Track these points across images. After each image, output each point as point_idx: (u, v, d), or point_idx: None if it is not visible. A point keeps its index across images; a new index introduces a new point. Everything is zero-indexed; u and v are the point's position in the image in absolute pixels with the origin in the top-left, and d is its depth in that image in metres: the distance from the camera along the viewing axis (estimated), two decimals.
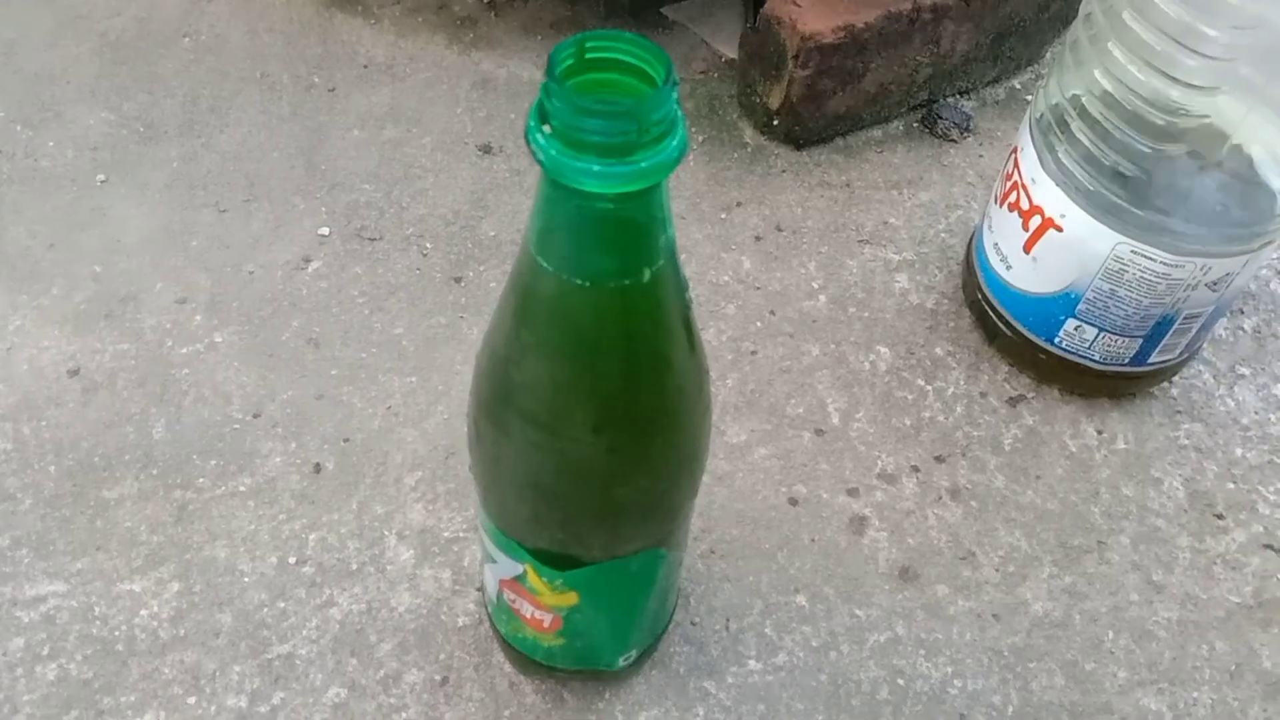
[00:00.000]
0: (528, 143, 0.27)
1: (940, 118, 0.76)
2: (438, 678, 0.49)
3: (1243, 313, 0.67)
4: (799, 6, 0.68)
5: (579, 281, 0.29)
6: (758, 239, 0.67)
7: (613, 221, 0.28)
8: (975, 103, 0.78)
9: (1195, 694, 0.51)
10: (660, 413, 0.34)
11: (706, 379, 0.36)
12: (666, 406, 0.34)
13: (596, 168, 0.26)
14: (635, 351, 0.27)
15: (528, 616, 0.43)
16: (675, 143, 0.27)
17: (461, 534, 0.53)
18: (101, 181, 0.68)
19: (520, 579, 0.41)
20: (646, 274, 0.30)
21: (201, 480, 0.55)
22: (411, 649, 0.50)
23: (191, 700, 0.48)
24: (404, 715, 0.48)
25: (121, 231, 0.65)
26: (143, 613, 0.50)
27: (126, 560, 0.52)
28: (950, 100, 0.77)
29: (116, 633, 0.50)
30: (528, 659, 0.47)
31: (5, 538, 0.52)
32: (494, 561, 0.42)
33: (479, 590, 0.51)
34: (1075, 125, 0.53)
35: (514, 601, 0.43)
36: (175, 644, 0.49)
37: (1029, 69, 0.81)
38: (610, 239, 0.29)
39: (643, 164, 0.26)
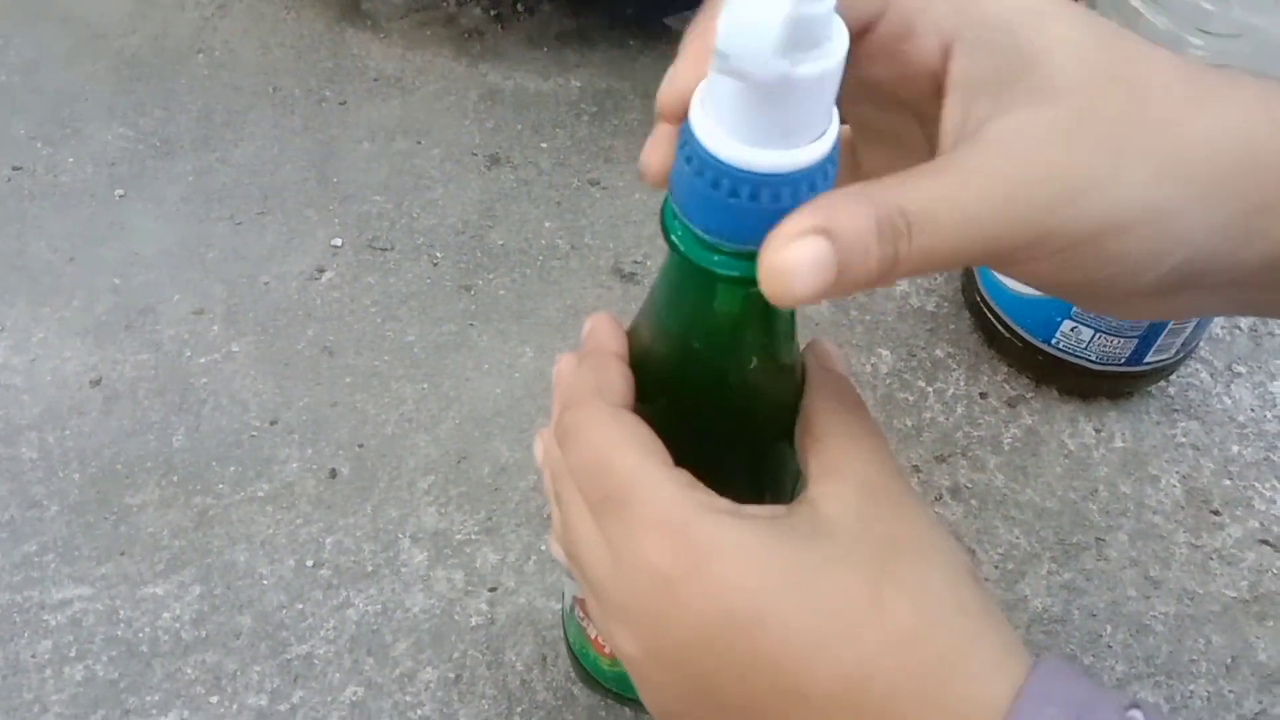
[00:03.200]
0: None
1: None
2: (451, 676, 0.50)
3: None
4: None
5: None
6: None
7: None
8: None
9: (1192, 686, 0.52)
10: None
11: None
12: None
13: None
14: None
15: (593, 636, 0.44)
16: None
17: (473, 536, 0.55)
18: (120, 196, 0.70)
19: None
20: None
21: (221, 486, 0.56)
22: (426, 648, 0.51)
23: (214, 700, 0.49)
24: (420, 712, 0.49)
25: (140, 244, 0.67)
26: (165, 615, 0.52)
27: (149, 564, 0.53)
28: None
29: (140, 634, 0.51)
30: (585, 671, 0.47)
31: (33, 543, 0.54)
32: (572, 578, 0.43)
33: (491, 591, 0.53)
34: None
35: (583, 620, 0.44)
36: (197, 645, 0.51)
37: None
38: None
39: None
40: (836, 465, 0.29)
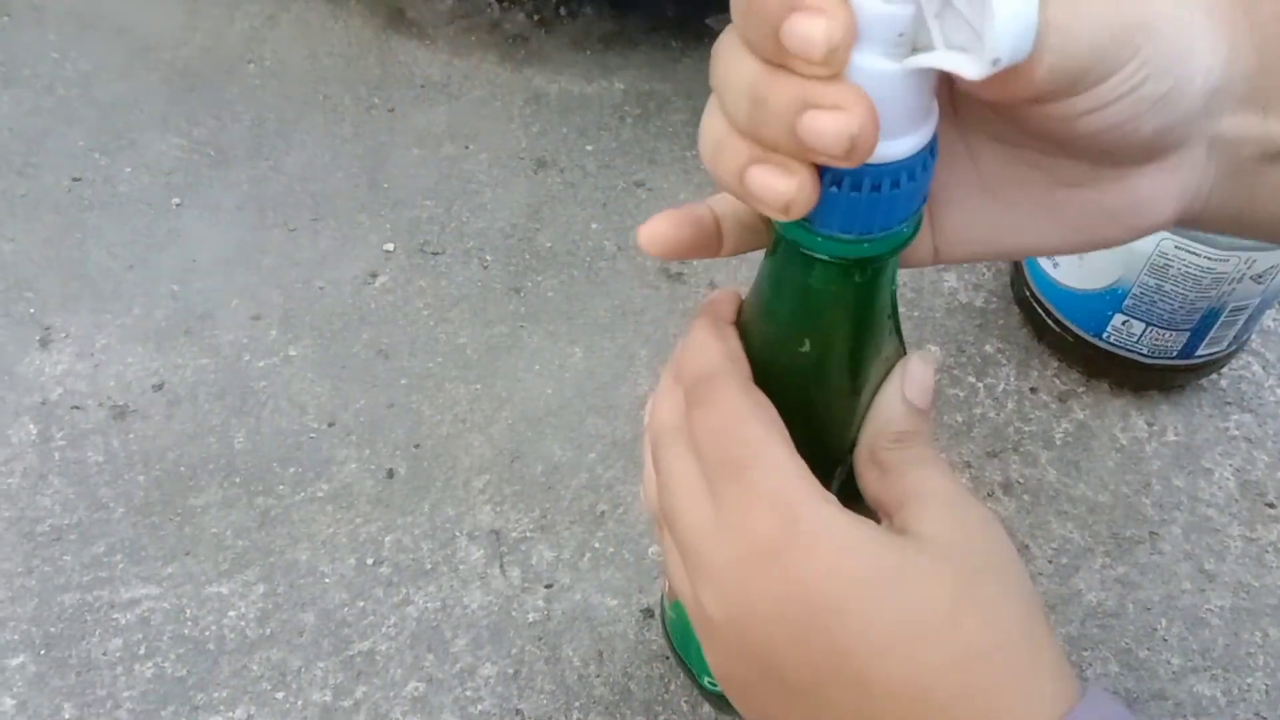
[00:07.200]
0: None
1: None
2: (510, 671, 0.51)
3: None
4: None
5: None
6: None
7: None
8: None
9: (1249, 680, 0.52)
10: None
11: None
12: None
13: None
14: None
15: None
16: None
17: (528, 534, 0.56)
18: (176, 205, 0.71)
19: None
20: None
21: (282, 487, 0.57)
22: (485, 644, 0.52)
23: (279, 695, 0.50)
24: (480, 707, 0.50)
25: (197, 252, 0.68)
26: (231, 613, 0.53)
27: (214, 564, 0.55)
28: None
29: (207, 633, 0.52)
30: (690, 671, 0.47)
31: (101, 544, 0.55)
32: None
33: (547, 588, 0.54)
34: None
35: None
36: (262, 642, 0.52)
37: None
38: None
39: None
40: (923, 487, 0.30)
